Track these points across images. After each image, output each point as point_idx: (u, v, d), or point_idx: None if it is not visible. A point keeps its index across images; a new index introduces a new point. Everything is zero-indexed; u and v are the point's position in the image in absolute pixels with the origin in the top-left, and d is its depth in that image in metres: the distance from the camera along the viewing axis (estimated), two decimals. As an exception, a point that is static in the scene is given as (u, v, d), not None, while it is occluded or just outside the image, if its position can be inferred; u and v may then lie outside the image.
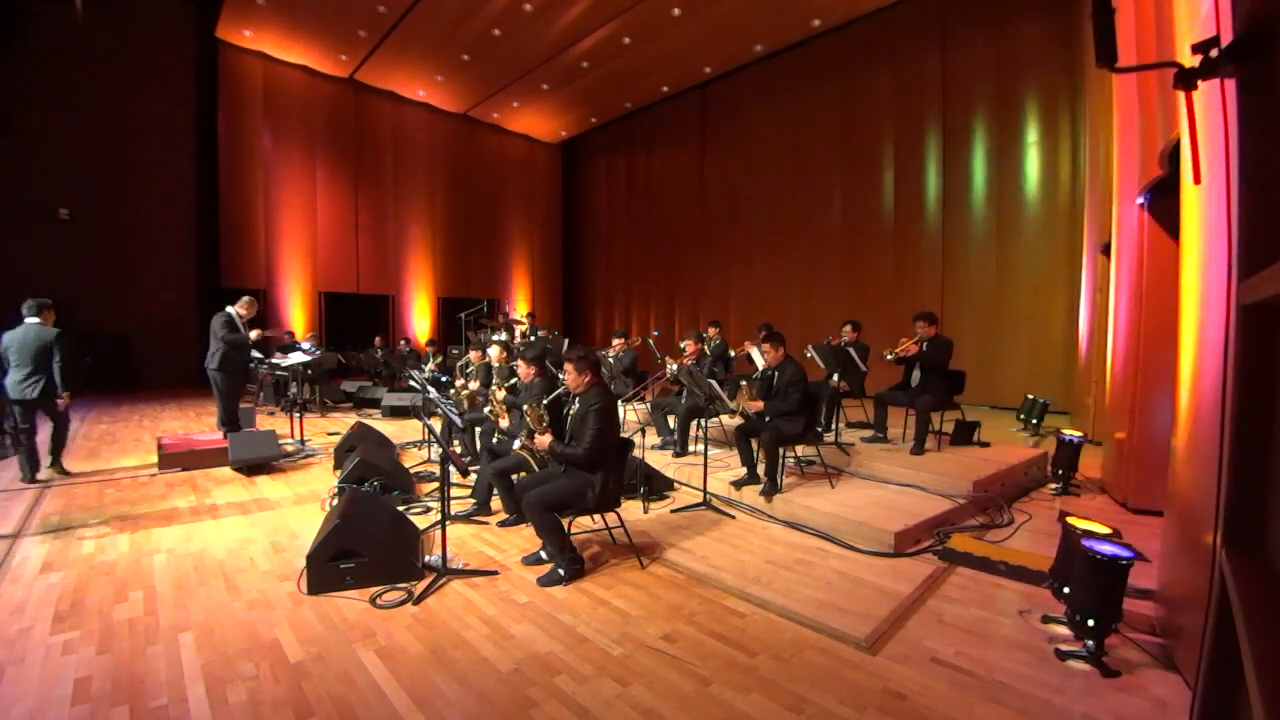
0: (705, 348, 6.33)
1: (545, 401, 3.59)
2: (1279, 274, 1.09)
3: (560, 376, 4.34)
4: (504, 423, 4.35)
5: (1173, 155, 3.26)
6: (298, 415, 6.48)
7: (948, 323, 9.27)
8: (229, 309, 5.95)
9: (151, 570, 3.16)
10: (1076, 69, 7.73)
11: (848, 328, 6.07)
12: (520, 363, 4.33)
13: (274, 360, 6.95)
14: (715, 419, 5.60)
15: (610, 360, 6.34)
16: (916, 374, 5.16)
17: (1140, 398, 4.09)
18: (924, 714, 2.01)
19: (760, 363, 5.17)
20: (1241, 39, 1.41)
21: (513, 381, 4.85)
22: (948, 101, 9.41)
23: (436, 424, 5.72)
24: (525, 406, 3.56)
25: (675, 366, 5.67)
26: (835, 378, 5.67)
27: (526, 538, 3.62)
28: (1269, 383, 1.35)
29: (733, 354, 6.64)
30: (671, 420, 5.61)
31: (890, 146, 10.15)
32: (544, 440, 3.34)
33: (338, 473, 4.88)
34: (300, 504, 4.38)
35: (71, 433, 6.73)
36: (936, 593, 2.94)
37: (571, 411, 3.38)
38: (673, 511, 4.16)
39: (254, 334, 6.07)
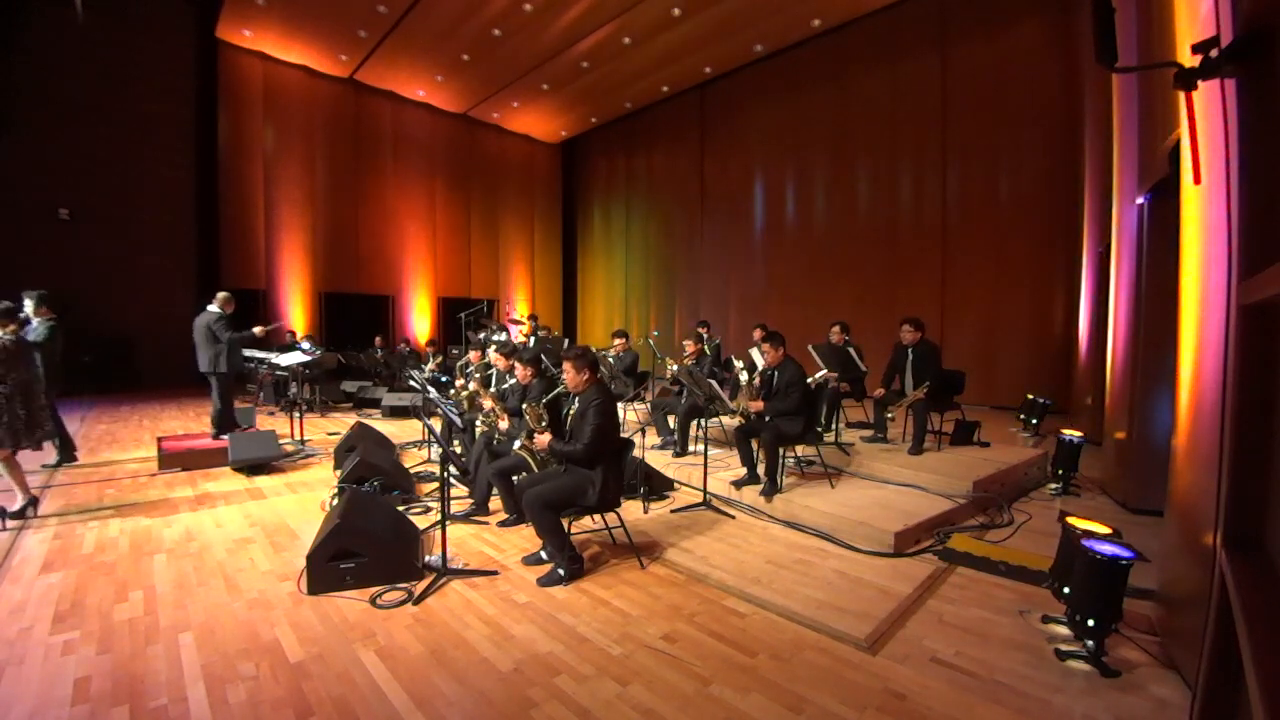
0: (705, 348, 6.33)
1: (545, 400, 3.59)
2: (1279, 274, 1.09)
3: (559, 377, 4.35)
4: (503, 424, 4.35)
5: (1173, 155, 3.26)
6: (298, 415, 6.48)
7: (948, 322, 9.30)
8: (214, 308, 5.88)
9: (151, 570, 3.16)
10: (1076, 68, 7.73)
11: (836, 329, 6.07)
12: (517, 365, 4.33)
13: (274, 360, 6.94)
14: (715, 419, 5.59)
15: (610, 360, 6.34)
16: (910, 378, 5.15)
17: (1140, 398, 4.09)
18: (924, 714, 2.01)
19: (760, 363, 5.17)
20: (1241, 39, 1.41)
21: (502, 388, 4.84)
22: (947, 101, 9.41)
23: (436, 424, 5.73)
24: (525, 406, 3.57)
25: (675, 367, 5.67)
26: (818, 377, 5.54)
27: (526, 538, 3.62)
28: (1269, 383, 1.35)
29: (735, 361, 6.60)
30: (671, 420, 5.62)
31: (890, 146, 10.15)
32: (543, 439, 3.34)
33: (338, 473, 4.88)
34: (300, 504, 4.38)
35: (72, 432, 6.75)
36: (936, 593, 2.94)
37: (571, 411, 3.38)
38: (673, 511, 4.16)
39: (258, 329, 6.05)
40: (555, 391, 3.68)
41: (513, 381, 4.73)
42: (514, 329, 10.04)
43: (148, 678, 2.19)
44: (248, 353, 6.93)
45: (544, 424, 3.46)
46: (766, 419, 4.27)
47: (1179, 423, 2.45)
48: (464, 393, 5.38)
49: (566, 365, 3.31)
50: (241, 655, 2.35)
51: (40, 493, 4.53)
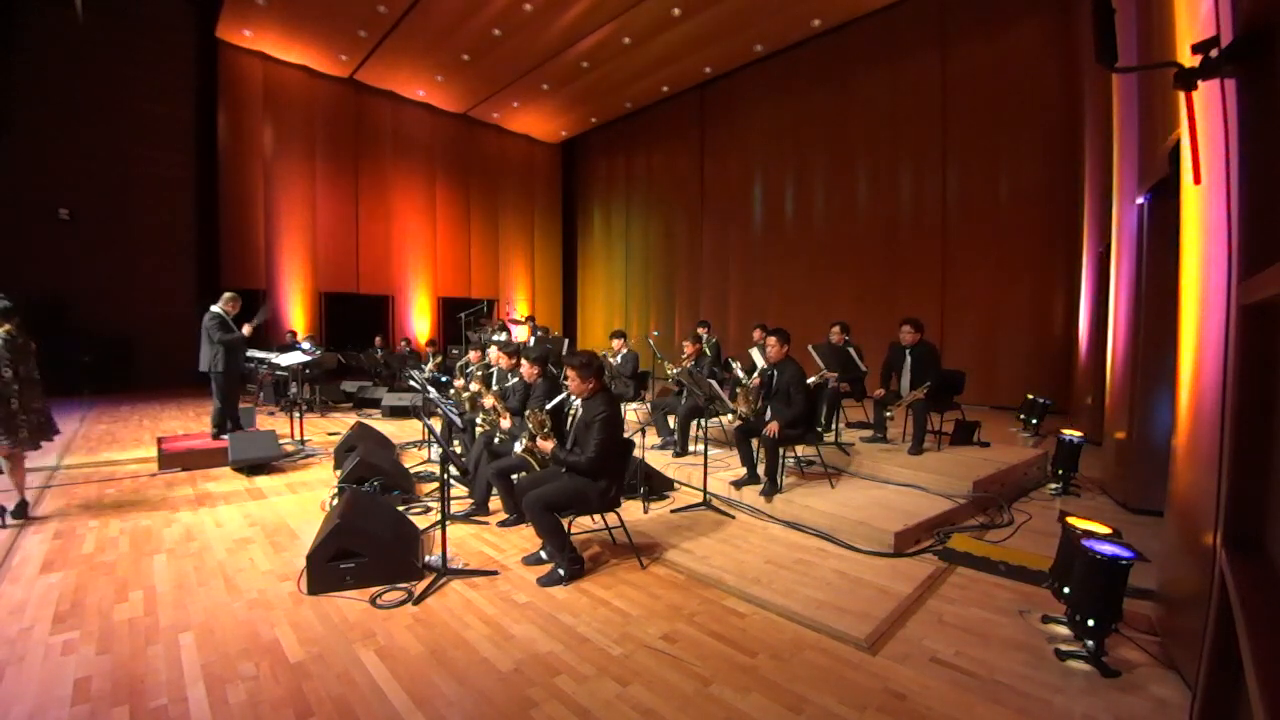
0: (704, 347, 6.33)
1: (549, 406, 3.58)
2: (1279, 274, 1.09)
3: (561, 378, 4.34)
4: (505, 423, 4.35)
5: (1173, 155, 3.26)
6: (298, 415, 6.48)
7: (948, 322, 9.30)
8: (215, 309, 5.90)
9: (151, 570, 3.16)
10: (1076, 68, 7.73)
11: (836, 329, 6.06)
12: (524, 362, 4.31)
13: (273, 360, 6.94)
14: (715, 419, 5.59)
15: (612, 362, 6.33)
16: (908, 378, 5.15)
17: (1140, 398, 4.09)
18: (924, 714, 2.01)
19: (760, 363, 5.17)
20: (1241, 39, 1.41)
21: (504, 386, 4.84)
22: (947, 101, 9.41)
23: (436, 424, 5.73)
24: (528, 413, 3.54)
25: (674, 371, 5.68)
26: (817, 379, 5.52)
27: (526, 538, 3.62)
28: (1269, 383, 1.35)
29: (734, 362, 6.60)
30: (671, 420, 5.62)
31: (890, 146, 10.15)
32: (546, 445, 3.32)
33: (338, 473, 4.88)
34: (300, 504, 4.38)
35: (72, 432, 6.76)
36: (936, 593, 2.94)
37: (575, 415, 3.37)
38: (673, 511, 4.16)
39: (246, 329, 6.03)
40: (558, 398, 3.68)
41: (514, 381, 4.73)
42: (514, 329, 10.05)
43: (148, 678, 2.19)
44: (249, 353, 6.93)
45: (546, 429, 3.45)
46: (767, 418, 4.27)
47: (1179, 423, 2.45)
48: (464, 394, 5.39)
49: (570, 372, 3.26)
50: (241, 655, 2.35)
51: (41, 492, 4.54)
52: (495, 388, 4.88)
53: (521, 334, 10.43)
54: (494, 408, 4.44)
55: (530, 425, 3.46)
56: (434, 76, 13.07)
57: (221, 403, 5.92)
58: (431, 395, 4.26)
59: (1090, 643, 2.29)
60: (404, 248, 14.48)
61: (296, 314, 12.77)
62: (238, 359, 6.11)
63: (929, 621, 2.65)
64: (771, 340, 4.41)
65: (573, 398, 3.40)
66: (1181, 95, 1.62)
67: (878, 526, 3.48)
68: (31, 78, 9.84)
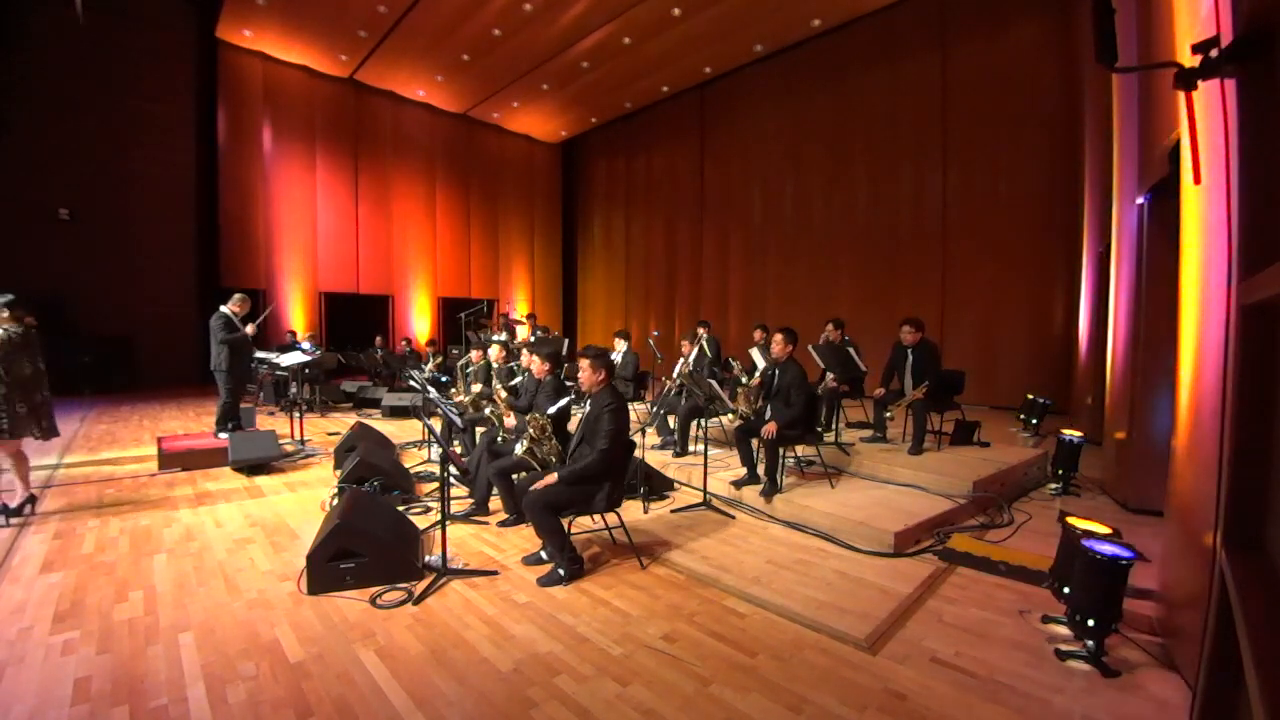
0: (704, 346, 6.33)
1: (551, 412, 3.59)
2: (1279, 274, 1.09)
3: (565, 380, 4.35)
4: (510, 421, 4.34)
5: (1173, 155, 3.26)
6: (298, 415, 6.48)
7: (948, 322, 9.29)
8: (223, 309, 6.00)
9: (151, 570, 3.16)
10: (1076, 68, 7.73)
11: (830, 326, 6.06)
12: (535, 358, 4.30)
13: (274, 360, 6.94)
14: (715, 419, 5.59)
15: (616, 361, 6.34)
16: (910, 378, 5.15)
17: (1140, 398, 4.09)
18: (924, 714, 2.01)
19: (760, 363, 5.17)
20: (1241, 39, 1.41)
21: (514, 383, 4.84)
22: (948, 100, 9.41)
23: (436, 424, 5.73)
24: (529, 417, 3.54)
25: (673, 377, 5.68)
26: (829, 377, 5.60)
27: (526, 538, 3.62)
28: (1269, 383, 1.35)
29: (733, 361, 6.62)
30: (671, 420, 5.62)
31: (890, 146, 10.15)
32: (549, 479, 3.17)
33: (338, 473, 4.87)
34: (300, 504, 4.38)
35: (72, 432, 6.76)
36: (936, 593, 2.94)
37: (583, 413, 3.38)
38: (673, 511, 4.16)
39: (249, 328, 6.07)
40: (562, 402, 3.67)
41: (521, 379, 4.72)
42: (516, 329, 10.05)
43: (148, 678, 2.19)
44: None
45: (547, 433, 3.44)
46: (767, 418, 4.27)
47: (1179, 423, 2.45)
48: (467, 399, 5.39)
49: (583, 362, 3.31)
50: (241, 655, 2.35)
51: (41, 492, 4.53)
52: (498, 385, 4.87)
53: (523, 333, 10.43)
54: (504, 400, 4.45)
55: (531, 430, 3.45)
56: (434, 76, 13.07)
57: (222, 400, 5.96)
58: (431, 395, 4.25)
59: (1090, 643, 2.29)
60: (404, 247, 14.48)
61: (296, 314, 12.77)
62: (243, 358, 6.15)
63: (929, 621, 2.65)
64: (778, 337, 4.40)
65: (582, 398, 3.42)
66: (1181, 95, 1.62)
67: (878, 526, 3.48)
68: (31, 77, 9.83)
